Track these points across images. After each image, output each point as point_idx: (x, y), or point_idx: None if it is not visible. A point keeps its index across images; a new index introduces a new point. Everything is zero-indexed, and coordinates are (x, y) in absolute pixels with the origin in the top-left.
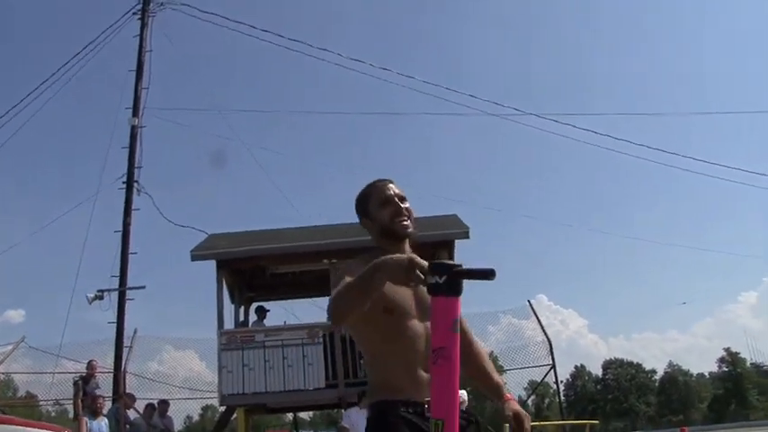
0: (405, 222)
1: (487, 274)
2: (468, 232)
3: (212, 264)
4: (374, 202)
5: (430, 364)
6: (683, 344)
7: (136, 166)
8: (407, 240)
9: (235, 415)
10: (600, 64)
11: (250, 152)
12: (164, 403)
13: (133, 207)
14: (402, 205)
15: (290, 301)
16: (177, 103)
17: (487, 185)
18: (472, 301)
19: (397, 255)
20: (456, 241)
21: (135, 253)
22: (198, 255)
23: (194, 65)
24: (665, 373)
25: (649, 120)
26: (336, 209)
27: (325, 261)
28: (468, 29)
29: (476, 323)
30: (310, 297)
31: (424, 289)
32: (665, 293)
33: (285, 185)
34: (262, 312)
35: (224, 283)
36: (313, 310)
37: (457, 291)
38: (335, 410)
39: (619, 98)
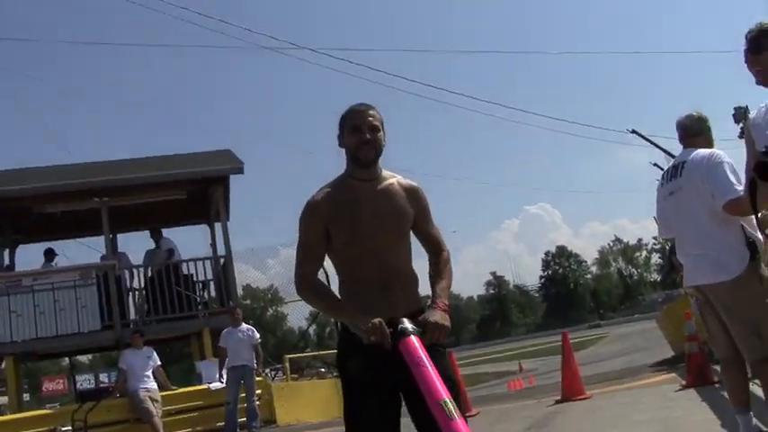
0: (367, 152)
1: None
2: (242, 168)
3: None
4: (347, 127)
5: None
6: (453, 269)
7: None
8: (373, 166)
9: (3, 364)
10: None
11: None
12: None
13: None
14: (369, 135)
15: (60, 241)
16: None
17: (264, 119)
18: (253, 233)
19: (364, 323)
20: (231, 176)
21: None
22: None
23: None
24: None
25: (417, 56)
26: (108, 145)
27: (96, 199)
28: None
29: (255, 257)
30: (82, 237)
31: (381, 205)
32: (436, 221)
33: (54, 119)
34: (50, 255)
35: None
36: (85, 251)
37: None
38: (114, 352)
39: (395, 35)
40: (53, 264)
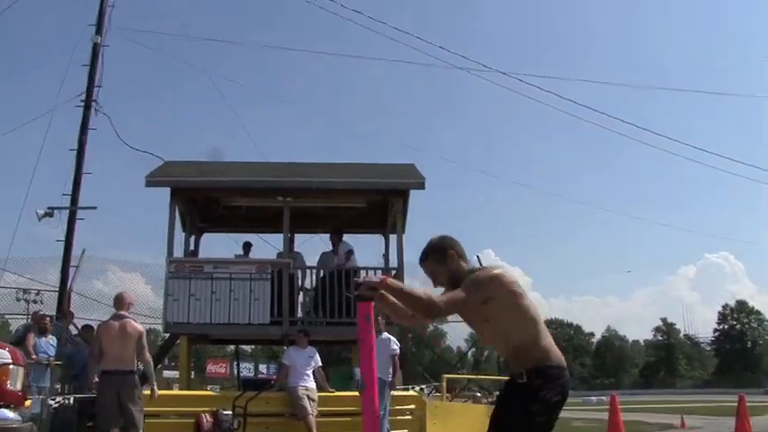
0: (435, 284)
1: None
2: (423, 183)
3: (166, 191)
4: None
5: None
6: (622, 310)
7: (95, 85)
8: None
9: (178, 342)
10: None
11: (212, 82)
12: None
13: (90, 126)
14: (431, 280)
15: (239, 234)
16: (143, 25)
17: (443, 137)
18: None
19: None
20: (411, 191)
21: (89, 173)
22: (153, 181)
23: None
24: (603, 336)
25: (611, 89)
26: (296, 148)
27: (280, 198)
28: None
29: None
30: (262, 232)
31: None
32: (608, 260)
33: (248, 120)
34: (248, 247)
35: (177, 211)
36: (263, 246)
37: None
38: (276, 347)
39: (588, 64)
40: (249, 256)
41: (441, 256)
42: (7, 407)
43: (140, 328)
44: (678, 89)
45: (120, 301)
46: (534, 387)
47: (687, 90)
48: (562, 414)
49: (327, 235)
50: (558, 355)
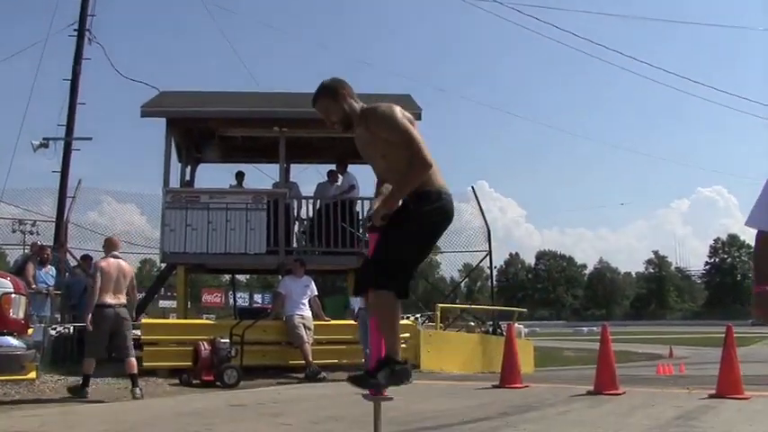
0: (328, 123)
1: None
2: (420, 114)
3: (162, 121)
4: None
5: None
6: (614, 242)
7: (89, 14)
8: (351, 124)
9: (175, 271)
10: None
11: (209, 11)
12: (86, 258)
13: (84, 56)
14: (324, 118)
15: (236, 165)
16: None
17: (441, 68)
18: None
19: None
20: None
21: (83, 103)
22: (148, 111)
23: None
24: (595, 268)
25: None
26: (291, 77)
27: (276, 128)
28: None
29: None
30: (258, 162)
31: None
32: (602, 193)
33: (242, 49)
34: (240, 177)
35: (173, 141)
36: (259, 176)
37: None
38: (271, 276)
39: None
40: (243, 185)
41: (333, 94)
42: (11, 334)
43: (132, 268)
44: (680, 21)
45: (113, 244)
46: (418, 207)
47: (687, 22)
48: (554, 343)
49: (323, 165)
50: (440, 180)
